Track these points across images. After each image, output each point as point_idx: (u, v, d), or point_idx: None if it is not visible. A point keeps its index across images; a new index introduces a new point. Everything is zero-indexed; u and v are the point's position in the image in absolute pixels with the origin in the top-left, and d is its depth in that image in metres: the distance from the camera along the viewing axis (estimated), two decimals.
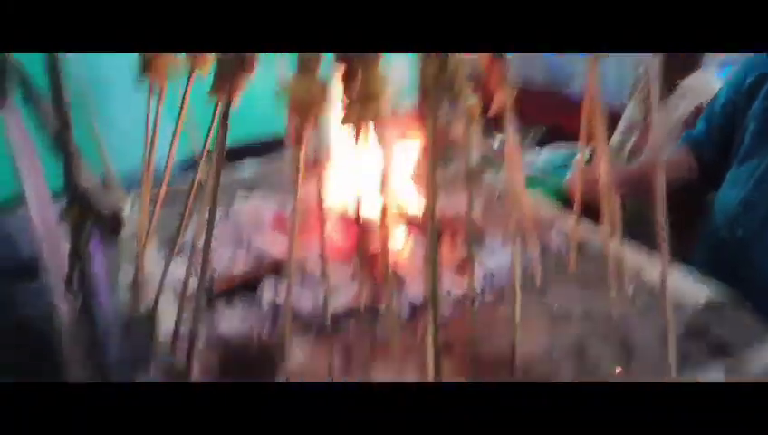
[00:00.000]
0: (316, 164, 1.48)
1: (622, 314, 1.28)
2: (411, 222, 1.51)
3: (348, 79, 1.04)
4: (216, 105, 1.28)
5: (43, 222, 2.41)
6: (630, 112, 2.41)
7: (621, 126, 2.43)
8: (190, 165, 2.62)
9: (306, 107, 1.07)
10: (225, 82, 1.16)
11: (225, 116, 1.13)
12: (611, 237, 1.26)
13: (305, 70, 1.05)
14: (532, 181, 2.01)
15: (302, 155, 1.15)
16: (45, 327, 2.69)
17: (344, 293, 1.38)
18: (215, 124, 1.32)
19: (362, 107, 1.04)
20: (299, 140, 1.14)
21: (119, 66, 1.96)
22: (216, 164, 1.18)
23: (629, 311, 1.31)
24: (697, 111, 2.10)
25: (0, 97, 2.46)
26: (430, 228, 1.03)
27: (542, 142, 3.83)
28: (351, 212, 1.49)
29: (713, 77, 2.25)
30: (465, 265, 1.47)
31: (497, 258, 1.48)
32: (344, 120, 1.06)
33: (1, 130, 2.50)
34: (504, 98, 1.30)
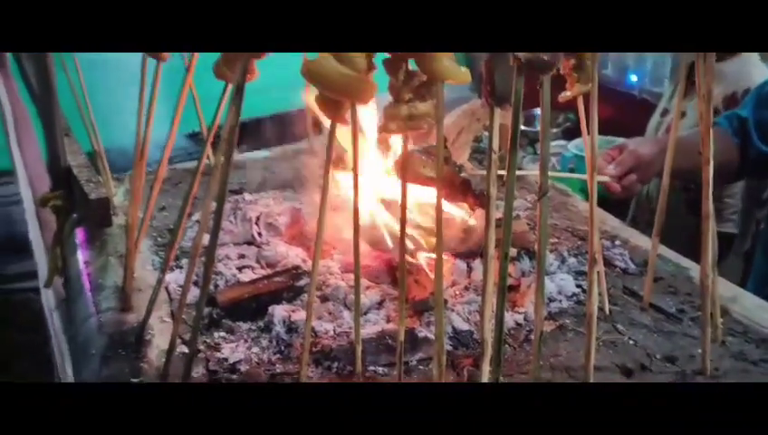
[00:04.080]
0: (342, 162, 1.25)
1: (716, 360, 1.05)
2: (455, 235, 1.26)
3: (398, 72, 0.80)
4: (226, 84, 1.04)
5: (34, 198, 2.17)
6: (667, 96, 2.32)
7: (659, 109, 2.34)
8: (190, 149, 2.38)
9: (341, 93, 0.83)
10: (236, 63, 0.92)
11: (238, 97, 0.88)
12: (710, 266, 1.02)
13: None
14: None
15: (333, 147, 0.91)
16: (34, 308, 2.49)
17: (372, 318, 1.15)
18: (223, 105, 1.08)
19: (411, 116, 0.81)
20: (331, 130, 0.90)
21: None
22: (226, 150, 0.93)
23: (724, 356, 1.07)
24: (730, 99, 1.95)
25: None
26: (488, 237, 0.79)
27: (570, 132, 3.60)
28: (382, 221, 1.26)
29: (756, 63, 2.07)
30: (516, 288, 1.23)
31: (555, 280, 1.24)
32: (384, 129, 0.83)
33: None
34: (583, 90, 1.06)
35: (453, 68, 0.77)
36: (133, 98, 1.40)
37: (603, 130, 2.77)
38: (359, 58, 0.81)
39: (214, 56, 1.06)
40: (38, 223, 2.11)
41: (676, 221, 1.33)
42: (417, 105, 0.82)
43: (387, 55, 0.82)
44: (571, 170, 2.93)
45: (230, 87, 1.05)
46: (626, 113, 3.20)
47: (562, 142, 3.43)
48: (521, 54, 0.69)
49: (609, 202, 1.62)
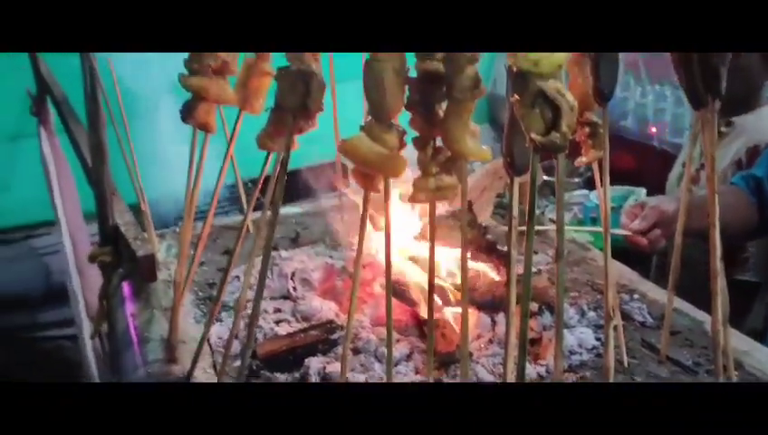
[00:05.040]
0: (373, 220, 1.34)
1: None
2: (476, 288, 1.34)
3: (426, 148, 0.90)
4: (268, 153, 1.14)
5: (74, 249, 2.29)
6: (688, 147, 2.35)
7: (680, 159, 2.35)
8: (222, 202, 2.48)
9: (375, 168, 0.93)
10: (281, 134, 1.02)
11: (282, 170, 0.98)
12: (721, 321, 1.08)
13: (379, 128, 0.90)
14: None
15: (367, 214, 1.00)
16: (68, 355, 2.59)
17: (401, 370, 1.22)
18: (264, 173, 1.18)
19: (438, 188, 0.90)
20: (365, 198, 0.99)
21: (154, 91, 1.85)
22: (271, 219, 1.03)
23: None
24: (753, 151, 1.96)
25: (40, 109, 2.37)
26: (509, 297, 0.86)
27: (592, 182, 3.65)
28: (409, 278, 1.34)
29: None
30: (538, 341, 1.30)
31: (575, 334, 1.31)
32: (413, 199, 0.91)
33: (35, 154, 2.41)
34: (597, 156, 1.15)
35: (475, 147, 0.86)
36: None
37: (623, 181, 2.84)
38: (390, 136, 0.90)
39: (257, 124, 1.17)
40: (78, 274, 2.23)
41: (698, 272, 1.38)
42: (444, 178, 0.91)
43: (415, 133, 0.92)
44: (593, 220, 2.98)
45: (272, 155, 1.15)
46: (646, 164, 3.27)
47: (584, 192, 3.49)
48: (535, 136, 0.78)
49: (632, 253, 1.68)
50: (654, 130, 3.50)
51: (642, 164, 3.33)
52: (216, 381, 1.17)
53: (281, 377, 1.25)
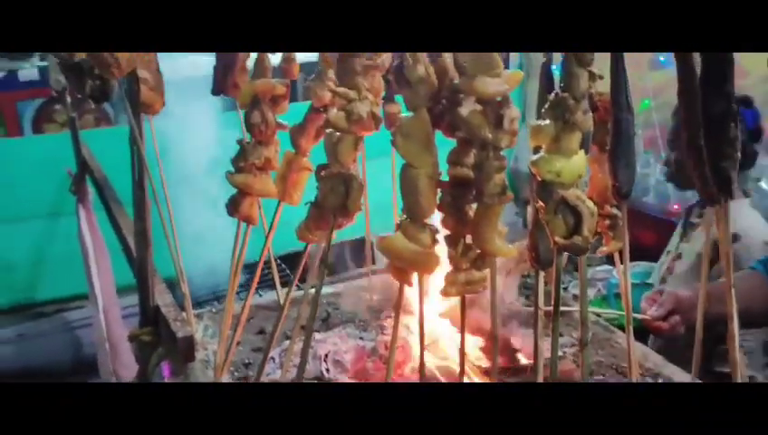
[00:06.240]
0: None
1: None
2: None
3: (457, 245, 0.97)
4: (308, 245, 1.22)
5: (107, 324, 2.37)
6: (703, 239, 2.39)
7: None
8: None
9: (410, 265, 1.00)
10: (320, 229, 1.10)
11: (322, 265, 1.06)
12: None
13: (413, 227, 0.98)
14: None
15: (401, 306, 1.07)
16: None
17: None
18: (303, 264, 1.26)
19: (468, 282, 0.96)
20: (400, 291, 1.06)
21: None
22: (312, 312, 1.10)
23: None
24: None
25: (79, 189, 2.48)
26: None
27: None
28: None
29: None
30: None
31: None
32: (445, 293, 0.98)
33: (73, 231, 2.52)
34: (617, 247, 1.22)
35: (503, 246, 0.93)
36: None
37: (646, 257, 2.88)
38: (424, 235, 0.97)
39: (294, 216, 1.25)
40: (110, 348, 2.30)
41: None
42: (474, 273, 0.98)
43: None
44: (617, 296, 3.00)
45: (310, 246, 1.23)
46: (668, 240, 3.31)
47: (608, 267, 3.51)
48: (559, 240, 0.85)
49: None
50: (676, 207, 3.55)
51: (664, 240, 3.36)
52: None
53: None
